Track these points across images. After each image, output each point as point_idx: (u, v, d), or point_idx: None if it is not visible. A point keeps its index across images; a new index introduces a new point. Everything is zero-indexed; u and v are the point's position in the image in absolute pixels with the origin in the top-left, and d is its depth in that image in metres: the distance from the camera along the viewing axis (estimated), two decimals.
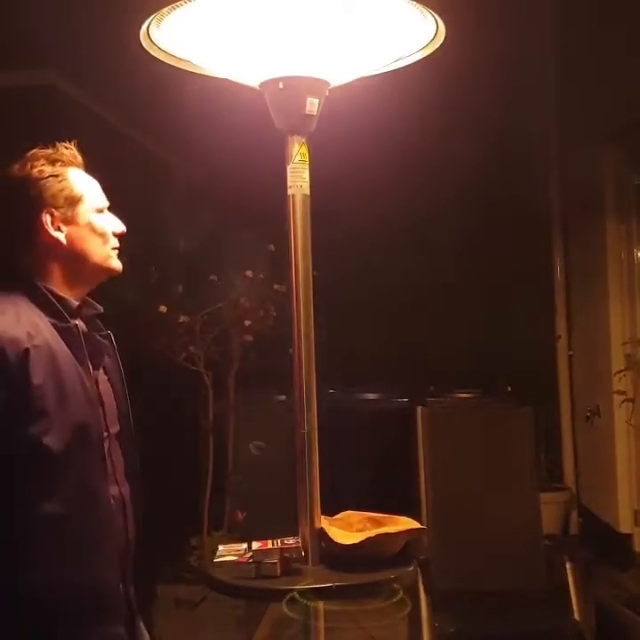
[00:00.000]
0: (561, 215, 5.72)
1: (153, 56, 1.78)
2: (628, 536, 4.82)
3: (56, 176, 1.67)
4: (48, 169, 1.67)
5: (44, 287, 1.64)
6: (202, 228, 4.96)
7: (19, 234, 1.67)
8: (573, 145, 5.46)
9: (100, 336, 1.74)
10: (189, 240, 4.99)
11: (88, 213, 1.69)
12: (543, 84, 5.65)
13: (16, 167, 1.68)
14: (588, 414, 5.26)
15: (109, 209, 1.77)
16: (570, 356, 5.70)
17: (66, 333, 1.61)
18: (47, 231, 1.65)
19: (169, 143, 5.23)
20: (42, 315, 1.60)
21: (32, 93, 4.05)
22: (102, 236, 1.71)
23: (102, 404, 1.67)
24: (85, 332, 1.67)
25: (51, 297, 1.63)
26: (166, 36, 1.73)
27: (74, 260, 1.68)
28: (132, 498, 1.72)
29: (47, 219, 1.65)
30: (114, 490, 1.65)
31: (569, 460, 5.63)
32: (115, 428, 1.71)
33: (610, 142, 4.88)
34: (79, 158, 1.73)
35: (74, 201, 1.68)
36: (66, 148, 1.72)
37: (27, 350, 1.51)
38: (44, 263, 1.66)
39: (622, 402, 4.61)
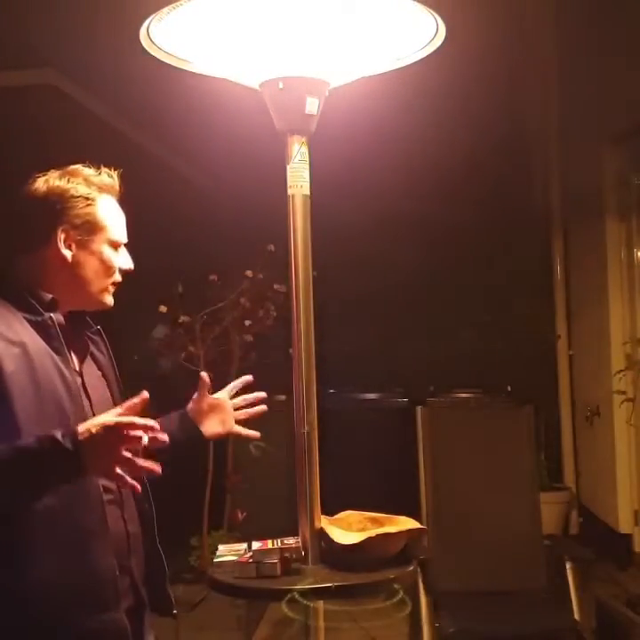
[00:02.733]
0: (561, 215, 5.72)
1: (153, 56, 1.78)
2: (628, 536, 4.82)
3: (86, 199, 1.69)
4: (82, 189, 1.69)
5: (17, 283, 1.66)
6: (201, 228, 4.96)
7: (30, 238, 1.69)
8: (574, 145, 5.46)
9: (90, 332, 1.77)
10: (188, 239, 4.99)
11: (102, 244, 1.71)
12: (544, 85, 5.65)
13: (55, 175, 1.70)
14: (588, 414, 5.26)
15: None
16: (570, 356, 5.70)
17: (40, 326, 1.62)
18: (57, 246, 1.68)
19: (169, 143, 5.23)
20: (15, 311, 1.62)
21: (32, 93, 4.05)
22: (107, 269, 1.72)
23: (88, 396, 1.68)
24: (63, 325, 1.68)
25: (22, 292, 1.65)
26: (166, 36, 1.72)
27: (72, 281, 1.70)
28: (131, 495, 1.70)
29: (62, 235, 1.68)
30: (109, 482, 1.63)
31: (569, 460, 5.63)
32: None
33: (610, 143, 4.88)
34: (116, 188, 1.75)
35: (94, 228, 1.70)
36: (109, 174, 1.74)
37: None
38: (41, 272, 1.68)
39: (622, 402, 4.62)
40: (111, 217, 1.72)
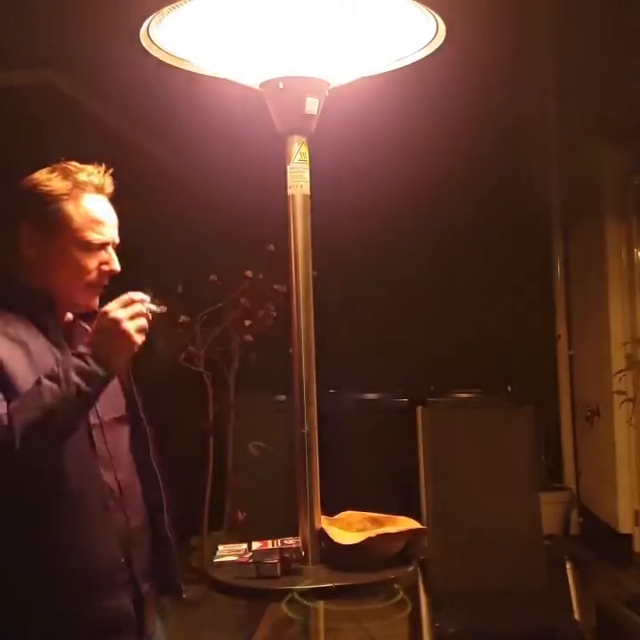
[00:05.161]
0: (561, 215, 5.72)
1: (153, 56, 1.78)
2: (628, 536, 4.82)
3: (54, 195, 1.59)
4: (55, 184, 1.60)
5: (19, 283, 1.63)
6: (201, 228, 4.96)
7: (8, 235, 1.64)
8: (574, 145, 5.46)
9: None
10: (189, 240, 4.99)
11: (68, 244, 1.60)
12: (543, 85, 5.64)
13: (42, 170, 1.62)
14: (588, 414, 5.26)
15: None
16: (570, 356, 5.70)
17: (41, 325, 1.60)
18: (22, 243, 1.62)
19: (169, 143, 5.23)
20: (19, 311, 1.60)
21: (32, 93, 4.05)
22: (75, 271, 1.61)
23: None
24: (66, 323, 1.67)
25: (23, 293, 1.62)
26: (166, 36, 1.73)
27: (46, 281, 1.62)
28: (136, 487, 1.71)
29: (24, 232, 1.61)
30: (108, 476, 1.63)
31: (569, 460, 5.63)
32: (112, 415, 1.69)
33: (610, 143, 4.88)
34: (103, 185, 1.64)
35: (56, 226, 1.59)
36: (94, 171, 1.64)
37: None
38: (25, 271, 1.64)
39: (622, 402, 4.62)
40: (84, 216, 1.60)
